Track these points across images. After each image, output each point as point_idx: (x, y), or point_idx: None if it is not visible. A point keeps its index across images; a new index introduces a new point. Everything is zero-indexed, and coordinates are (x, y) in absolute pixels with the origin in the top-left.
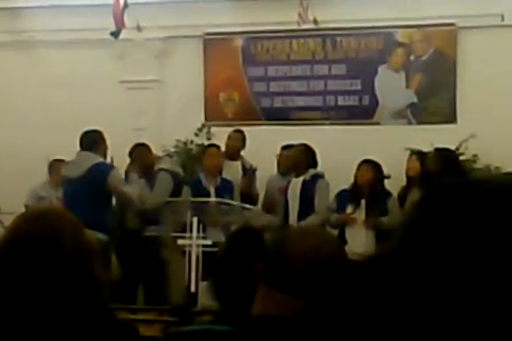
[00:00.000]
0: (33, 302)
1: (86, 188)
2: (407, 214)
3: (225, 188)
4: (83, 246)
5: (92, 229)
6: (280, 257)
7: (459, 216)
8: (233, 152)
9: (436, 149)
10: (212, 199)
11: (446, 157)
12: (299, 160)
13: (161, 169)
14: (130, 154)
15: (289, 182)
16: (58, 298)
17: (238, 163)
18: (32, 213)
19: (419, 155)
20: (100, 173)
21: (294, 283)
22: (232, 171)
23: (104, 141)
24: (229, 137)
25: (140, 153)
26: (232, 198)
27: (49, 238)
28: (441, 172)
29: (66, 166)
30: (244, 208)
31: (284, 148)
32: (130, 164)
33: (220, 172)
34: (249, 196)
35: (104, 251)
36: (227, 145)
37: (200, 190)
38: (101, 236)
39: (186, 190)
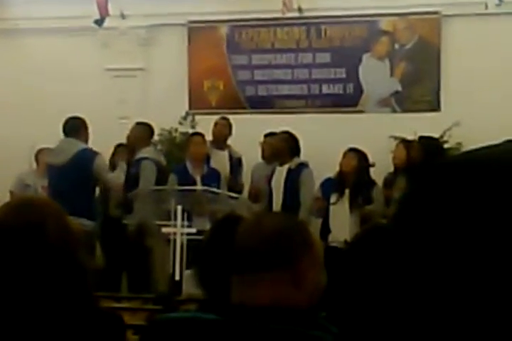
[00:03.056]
0: (17, 291)
1: (71, 175)
2: (401, 197)
3: (211, 177)
4: (67, 235)
5: (78, 216)
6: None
7: (451, 194)
8: (220, 140)
9: (420, 138)
10: (199, 187)
11: (429, 146)
12: (282, 148)
13: (144, 158)
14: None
15: (273, 171)
16: (42, 288)
17: (225, 153)
18: (16, 203)
19: (406, 143)
20: (85, 160)
21: (246, 259)
22: (220, 160)
23: (86, 128)
24: (215, 124)
25: (139, 131)
26: (218, 187)
27: (33, 227)
28: (425, 161)
29: (50, 153)
30: (230, 197)
31: (267, 135)
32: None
33: (208, 161)
34: (234, 188)
35: (89, 238)
36: (214, 133)
37: (186, 179)
38: (87, 223)
39: (172, 178)
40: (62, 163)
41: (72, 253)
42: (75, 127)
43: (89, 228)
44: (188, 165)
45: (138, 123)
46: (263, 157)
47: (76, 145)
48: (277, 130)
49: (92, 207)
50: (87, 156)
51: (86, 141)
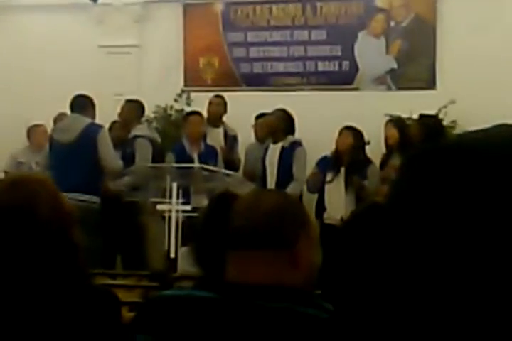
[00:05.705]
0: (8, 269)
1: (80, 152)
2: (393, 180)
3: (208, 154)
4: (60, 213)
5: (87, 193)
6: (230, 218)
7: (444, 180)
8: (215, 118)
9: (421, 116)
10: (195, 165)
11: (429, 124)
12: (277, 125)
13: (138, 136)
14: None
15: (266, 149)
16: (34, 266)
17: (220, 130)
18: (8, 181)
19: (396, 121)
20: (92, 135)
21: (243, 236)
22: (215, 138)
23: (93, 106)
24: (210, 103)
25: (130, 108)
26: (216, 164)
27: (25, 206)
28: (424, 139)
29: (56, 130)
30: (226, 174)
31: (259, 117)
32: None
33: (205, 139)
34: (231, 162)
35: (97, 215)
36: (208, 112)
37: (183, 157)
38: (95, 199)
39: (170, 157)
40: (70, 140)
41: (64, 231)
42: (82, 104)
43: (97, 205)
44: (185, 143)
45: (128, 101)
46: (256, 137)
47: (82, 122)
48: (272, 107)
49: (100, 183)
50: (93, 131)
51: (93, 119)
